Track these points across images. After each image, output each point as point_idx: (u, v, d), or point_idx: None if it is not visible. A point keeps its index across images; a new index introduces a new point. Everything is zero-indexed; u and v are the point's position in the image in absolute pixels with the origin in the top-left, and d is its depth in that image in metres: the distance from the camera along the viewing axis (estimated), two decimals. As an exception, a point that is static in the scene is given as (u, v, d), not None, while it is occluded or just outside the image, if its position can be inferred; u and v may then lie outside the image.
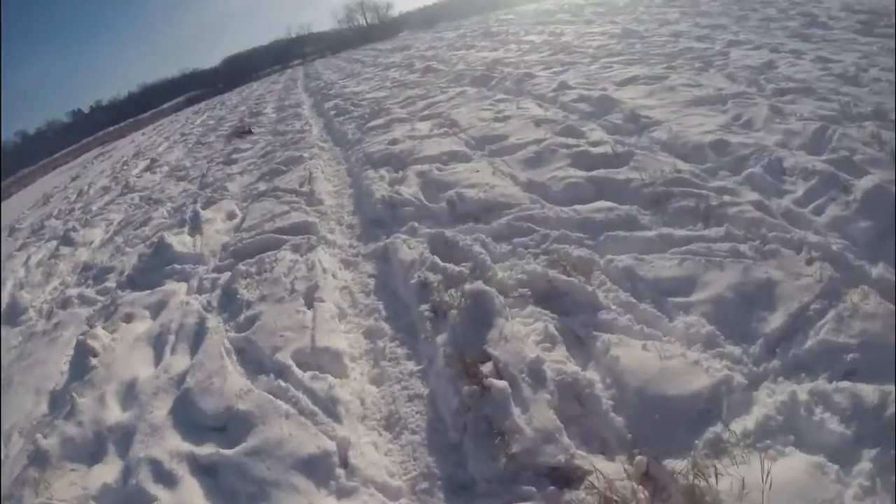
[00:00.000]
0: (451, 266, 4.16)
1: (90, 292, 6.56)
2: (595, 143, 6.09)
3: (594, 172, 5.35)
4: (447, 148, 7.22)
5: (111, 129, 62.71)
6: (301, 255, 5.30)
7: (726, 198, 4.41)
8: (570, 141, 6.26)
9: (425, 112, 9.96)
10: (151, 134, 33.41)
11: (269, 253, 5.52)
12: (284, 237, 5.83)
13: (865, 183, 4.24)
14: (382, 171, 7.10)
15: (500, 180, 5.75)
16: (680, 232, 4.13)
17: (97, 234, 9.98)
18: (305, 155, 9.53)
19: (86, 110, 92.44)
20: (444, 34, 31.22)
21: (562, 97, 8.50)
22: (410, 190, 6.11)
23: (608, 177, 5.19)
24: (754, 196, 4.46)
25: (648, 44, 12.67)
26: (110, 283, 6.58)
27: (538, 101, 8.83)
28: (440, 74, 14.49)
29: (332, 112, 13.38)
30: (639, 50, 12.09)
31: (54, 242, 10.38)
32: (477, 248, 4.39)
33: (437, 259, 4.30)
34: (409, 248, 4.80)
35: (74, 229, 10.58)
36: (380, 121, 10.17)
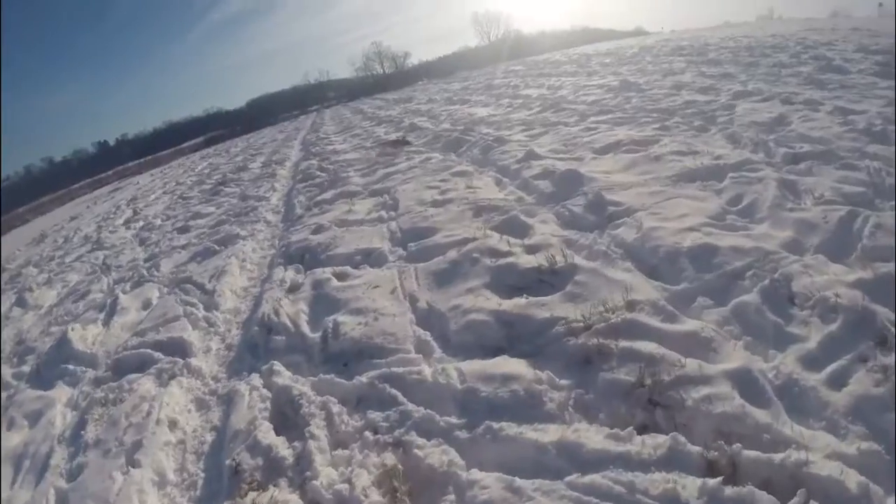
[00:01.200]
0: (278, 448, 3.07)
1: (8, 374, 5.77)
2: (532, 249, 4.61)
3: (512, 302, 3.86)
4: (366, 244, 5.88)
5: (131, 164, 63.17)
6: (159, 387, 4.31)
7: (693, 366, 2.86)
8: (502, 246, 4.76)
9: (377, 185, 8.65)
10: (158, 176, 32.84)
11: (134, 376, 4.57)
12: (156, 356, 4.85)
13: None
14: (290, 271, 5.82)
15: (395, 304, 4.34)
16: (595, 439, 2.58)
17: (49, 298, 8.88)
18: (243, 233, 8.34)
19: (111, 142, 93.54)
20: (452, 86, 30.38)
21: (525, 171, 7.06)
22: (294, 308, 4.74)
23: (527, 313, 3.67)
24: (736, 362, 2.92)
25: (646, 97, 11.32)
26: (26, 368, 5.78)
27: (498, 176, 7.45)
28: (420, 134, 13.29)
29: (300, 176, 12.22)
30: (634, 105, 10.72)
31: (14, 298, 9.36)
32: (317, 422, 3.20)
33: (267, 431, 3.26)
34: (248, 406, 3.59)
35: (31, 289, 9.60)
36: (329, 194, 8.98)
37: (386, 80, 65.26)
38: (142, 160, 63.01)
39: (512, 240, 4.86)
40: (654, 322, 3.31)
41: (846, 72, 10.81)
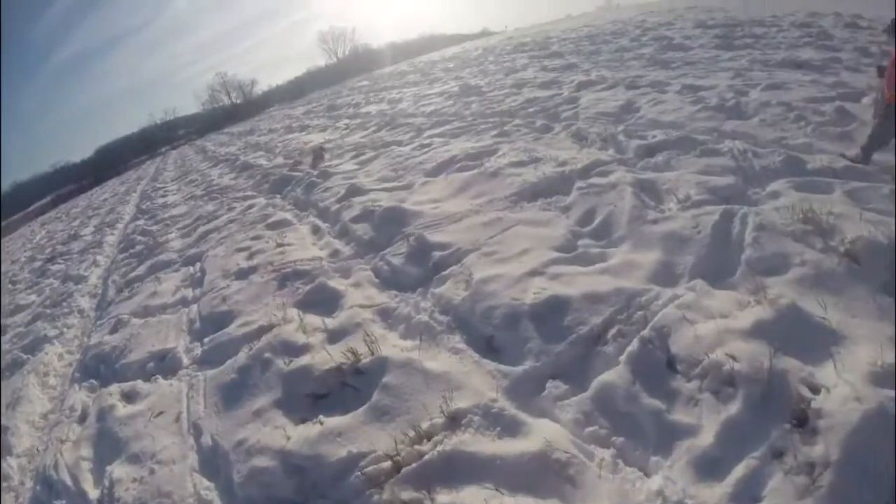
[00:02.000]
0: None
1: None
2: (336, 336, 3.51)
3: (303, 434, 2.72)
4: (162, 342, 4.77)
5: (-29, 238, 56.63)
6: None
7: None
8: (300, 337, 3.61)
9: (193, 250, 7.28)
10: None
11: None
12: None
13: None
14: (83, 392, 4.67)
15: (177, 442, 3.31)
16: None
17: None
18: (52, 333, 6.80)
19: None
20: (297, 110, 28.86)
21: (345, 212, 5.96)
22: (74, 456, 3.66)
23: (320, 452, 2.56)
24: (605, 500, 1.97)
25: (486, 100, 10.60)
26: None
27: (317, 222, 6.38)
28: (253, 173, 11.86)
29: (123, 244, 10.57)
30: (473, 111, 9.96)
31: None
32: None
33: None
34: None
35: None
36: (143, 267, 7.61)
37: (235, 110, 62.22)
38: (-8, 229, 56.71)
39: (315, 321, 3.74)
40: (486, 444, 2.31)
41: (687, 48, 10.56)
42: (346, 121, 15.07)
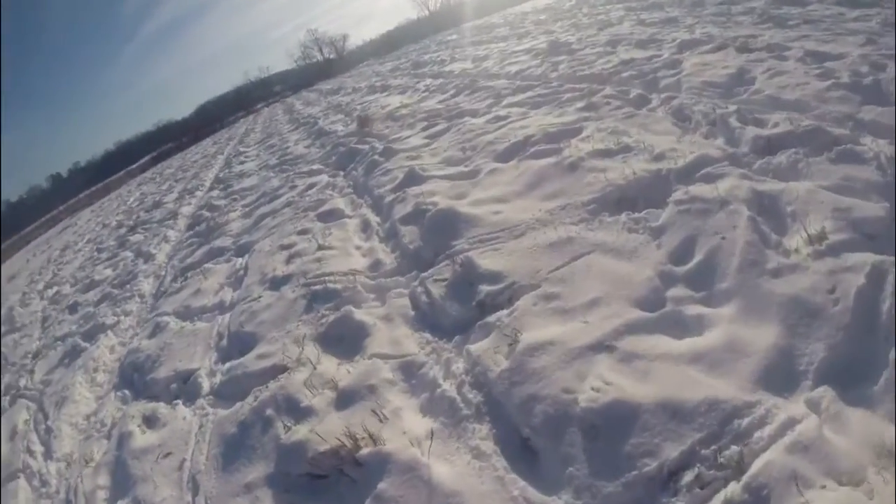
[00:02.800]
0: None
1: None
2: (346, 400, 2.78)
3: None
4: (188, 360, 4.36)
5: (83, 195, 59.99)
6: None
7: None
8: (304, 395, 2.93)
9: (246, 237, 6.84)
10: (97, 211, 29.80)
11: None
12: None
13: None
14: (116, 402, 4.45)
15: (174, 496, 2.88)
16: None
17: None
18: (110, 321, 6.58)
19: (64, 174, 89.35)
20: (385, 66, 28.09)
21: (398, 206, 5.17)
22: (92, 485, 3.42)
23: None
24: None
25: (577, 60, 9.40)
26: None
27: (369, 215, 5.62)
28: (325, 141, 11.32)
29: (192, 220, 10.52)
30: (561, 74, 8.84)
31: None
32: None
33: None
34: None
35: None
36: (199, 254, 7.35)
37: (327, 65, 62.47)
38: (93, 188, 59.96)
39: (329, 369, 3.04)
40: None
41: (805, 3, 8.93)
42: (429, 80, 14.19)
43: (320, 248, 4.92)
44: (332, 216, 6.01)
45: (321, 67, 63.31)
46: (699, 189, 3.52)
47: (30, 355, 7.17)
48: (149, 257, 9.12)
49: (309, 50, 68.23)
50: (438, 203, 4.60)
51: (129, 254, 10.36)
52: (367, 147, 8.16)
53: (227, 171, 15.08)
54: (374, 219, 5.41)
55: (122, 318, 6.58)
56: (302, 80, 62.33)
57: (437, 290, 3.41)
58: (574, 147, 4.95)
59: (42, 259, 19.65)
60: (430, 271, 3.71)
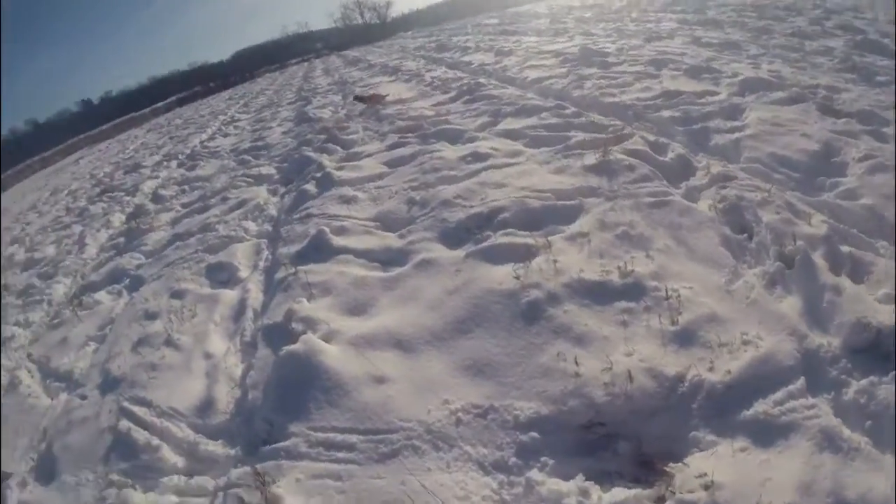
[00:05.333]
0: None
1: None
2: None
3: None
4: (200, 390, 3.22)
5: (106, 126, 59.36)
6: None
7: None
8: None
9: (148, 266, 5.81)
10: (103, 150, 28.66)
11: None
12: None
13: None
14: None
15: None
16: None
17: None
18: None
19: (96, 101, 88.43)
20: (415, 42, 26.25)
21: (274, 303, 3.61)
22: None
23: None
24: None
25: (608, 79, 7.56)
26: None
27: (252, 293, 4.19)
28: (302, 132, 9.83)
29: (132, 211, 9.27)
30: (584, 96, 6.99)
31: None
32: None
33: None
34: None
35: None
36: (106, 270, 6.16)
37: (367, 30, 60.55)
38: (118, 120, 59.10)
39: None
40: None
41: (890, 52, 6.91)
42: (441, 70, 12.54)
43: (167, 343, 3.49)
44: (219, 274, 4.67)
45: (359, 32, 61.45)
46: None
47: None
48: (81, 247, 7.56)
49: (350, 12, 66.17)
50: (305, 332, 2.91)
51: (77, 230, 9.07)
52: (316, 163, 6.43)
53: (208, 142, 13.72)
54: (253, 305, 3.87)
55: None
56: (343, 41, 60.77)
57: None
58: (546, 262, 3.06)
59: (30, 200, 18.25)
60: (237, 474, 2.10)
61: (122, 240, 7.10)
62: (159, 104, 63.07)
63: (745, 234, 3.20)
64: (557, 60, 9.89)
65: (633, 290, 2.77)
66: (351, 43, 52.84)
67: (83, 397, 3.55)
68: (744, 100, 5.61)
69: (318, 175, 5.80)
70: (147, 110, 60.05)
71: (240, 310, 3.93)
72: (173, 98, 65.02)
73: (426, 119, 7.26)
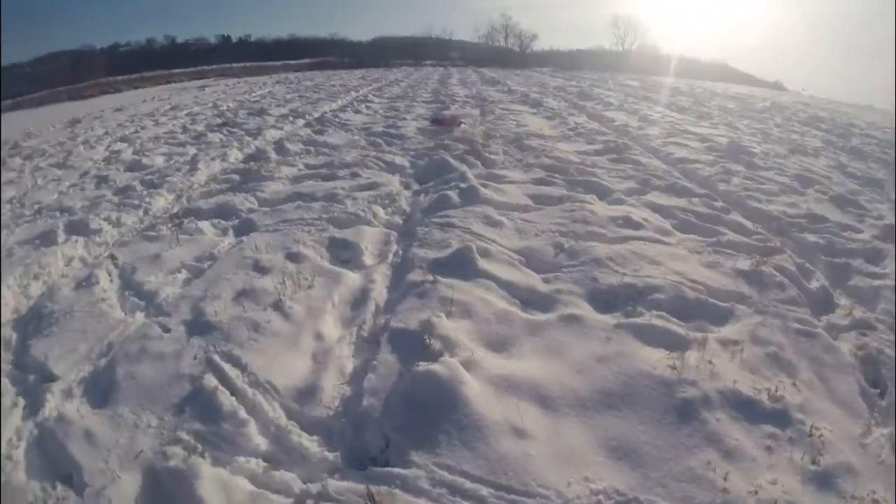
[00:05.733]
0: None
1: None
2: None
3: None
4: None
5: (235, 65, 61.45)
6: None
7: None
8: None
9: (260, 214, 6.05)
10: (231, 87, 28.77)
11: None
12: None
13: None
14: None
15: None
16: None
17: None
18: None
19: (234, 40, 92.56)
20: (553, 81, 26.37)
21: (405, 305, 3.57)
22: None
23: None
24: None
25: (755, 181, 7.34)
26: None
27: (377, 282, 4.18)
28: (437, 133, 9.79)
29: (252, 153, 9.08)
30: (731, 192, 6.80)
31: None
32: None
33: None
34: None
35: None
36: (216, 201, 6.57)
37: (507, 55, 61.25)
38: (249, 64, 61.25)
39: None
40: None
41: None
42: (583, 119, 12.55)
43: (275, 306, 3.35)
44: (343, 252, 4.67)
45: (499, 54, 62.18)
46: None
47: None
48: (192, 170, 7.91)
49: (496, 33, 67.14)
50: (443, 354, 2.93)
51: (190, 151, 9.53)
52: (458, 171, 6.50)
53: (339, 113, 14.00)
54: (377, 299, 3.86)
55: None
56: (478, 57, 61.48)
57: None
58: (702, 361, 3.00)
59: (149, 107, 18.97)
60: (336, 487, 2.14)
61: (236, 177, 7.24)
62: (291, 62, 65.00)
63: (878, 390, 3.10)
64: (703, 146, 9.69)
65: (781, 417, 2.69)
66: (486, 61, 53.82)
67: (165, 329, 3.44)
68: (886, 246, 5.39)
69: (463, 185, 5.87)
70: (278, 63, 61.97)
71: (361, 299, 3.84)
72: (306, 60, 66.91)
73: (571, 164, 7.27)
